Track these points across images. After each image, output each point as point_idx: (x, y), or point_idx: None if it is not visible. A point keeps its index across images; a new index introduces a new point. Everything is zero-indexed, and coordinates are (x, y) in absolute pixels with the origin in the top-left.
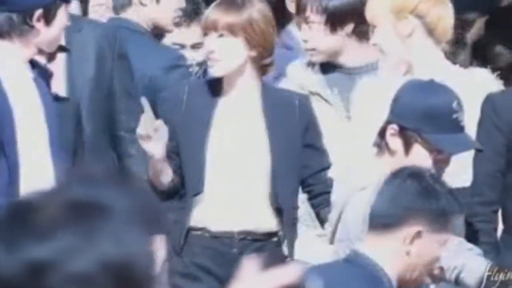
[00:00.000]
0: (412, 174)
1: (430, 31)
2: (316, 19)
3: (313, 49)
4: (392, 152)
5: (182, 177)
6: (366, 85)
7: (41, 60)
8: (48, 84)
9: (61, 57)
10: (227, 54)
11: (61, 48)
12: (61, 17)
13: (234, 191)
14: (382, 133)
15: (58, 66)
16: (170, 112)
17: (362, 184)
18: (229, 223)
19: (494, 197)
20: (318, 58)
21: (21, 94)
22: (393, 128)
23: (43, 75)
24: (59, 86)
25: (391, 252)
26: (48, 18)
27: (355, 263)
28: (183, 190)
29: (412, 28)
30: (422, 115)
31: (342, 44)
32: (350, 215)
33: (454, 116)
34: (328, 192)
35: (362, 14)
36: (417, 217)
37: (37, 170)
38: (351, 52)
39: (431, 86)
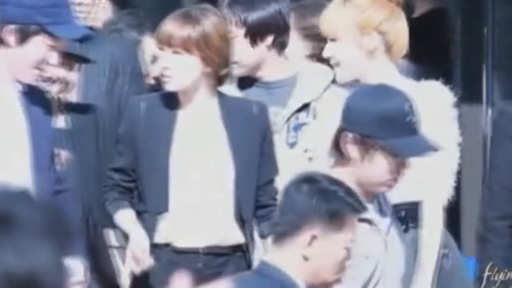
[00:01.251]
0: (307, 179)
1: (389, 48)
2: (236, 32)
3: (234, 63)
4: (349, 161)
5: (138, 192)
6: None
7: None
8: (47, 106)
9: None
10: (181, 71)
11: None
12: (36, 45)
13: (198, 206)
14: (336, 143)
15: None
16: (128, 129)
17: None
18: (194, 238)
19: (510, 211)
20: (239, 72)
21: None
22: (348, 136)
23: (38, 96)
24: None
25: (294, 259)
26: (21, 37)
27: (264, 274)
28: (141, 206)
29: (375, 44)
30: (376, 120)
31: (263, 57)
32: None
33: (407, 119)
34: (272, 205)
35: (281, 26)
36: (310, 221)
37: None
38: (271, 66)
39: (382, 91)
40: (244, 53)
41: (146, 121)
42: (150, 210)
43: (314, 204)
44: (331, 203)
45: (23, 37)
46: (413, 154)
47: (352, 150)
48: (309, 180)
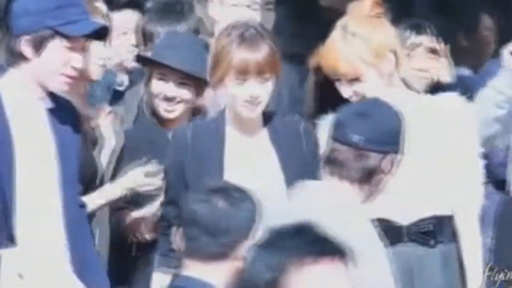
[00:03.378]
0: (217, 190)
1: (398, 63)
2: None
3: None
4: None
5: None
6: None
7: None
8: (74, 121)
9: None
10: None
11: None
12: (54, 50)
13: None
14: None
15: None
16: (177, 157)
17: None
18: None
19: None
20: None
21: (26, 128)
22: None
23: (66, 112)
24: None
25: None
26: (36, 46)
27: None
28: None
29: (393, 65)
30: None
31: None
32: None
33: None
34: None
35: None
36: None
37: (36, 213)
38: None
39: (372, 107)
40: None
41: (194, 148)
42: None
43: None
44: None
45: (39, 45)
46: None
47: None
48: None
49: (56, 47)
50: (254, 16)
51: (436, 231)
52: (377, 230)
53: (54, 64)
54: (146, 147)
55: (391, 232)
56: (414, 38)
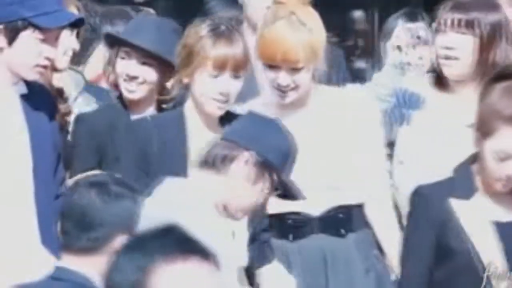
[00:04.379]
0: (94, 183)
1: None
2: None
3: None
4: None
5: None
6: None
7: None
8: (49, 102)
9: None
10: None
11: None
12: (27, 41)
13: None
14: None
15: None
16: (139, 146)
17: None
18: None
19: None
20: None
21: None
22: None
23: (39, 93)
24: None
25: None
26: (10, 36)
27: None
28: None
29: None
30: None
31: None
32: None
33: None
34: None
35: None
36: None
37: (8, 202)
38: None
39: (270, 121)
40: None
41: (158, 139)
42: None
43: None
44: (123, 203)
45: (13, 35)
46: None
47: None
48: (94, 185)
49: (29, 38)
50: None
51: (346, 220)
52: (290, 223)
53: (26, 55)
54: (107, 130)
55: (303, 224)
56: (409, 26)
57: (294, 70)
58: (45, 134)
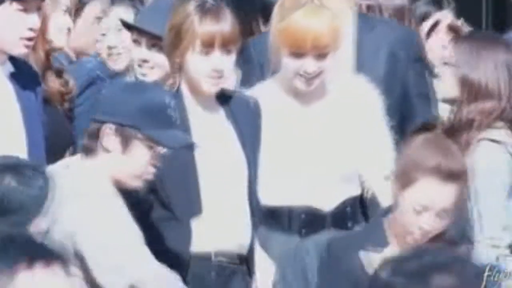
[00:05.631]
0: (7, 167)
1: None
2: None
3: None
4: (108, 152)
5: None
6: None
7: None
8: (36, 82)
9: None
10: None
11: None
12: (8, 14)
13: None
14: (93, 135)
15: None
16: None
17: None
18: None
19: None
20: None
21: None
22: (109, 127)
23: (26, 72)
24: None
25: None
26: None
27: None
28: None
29: None
30: (138, 111)
31: None
32: None
33: (168, 111)
34: None
35: None
36: None
37: None
38: None
39: (142, 84)
40: None
41: None
42: (182, 214)
43: None
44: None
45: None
46: (176, 145)
47: (112, 141)
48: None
49: (10, 11)
50: None
51: (353, 213)
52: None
53: (9, 28)
54: None
55: (315, 221)
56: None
57: (320, 56)
58: (34, 113)
